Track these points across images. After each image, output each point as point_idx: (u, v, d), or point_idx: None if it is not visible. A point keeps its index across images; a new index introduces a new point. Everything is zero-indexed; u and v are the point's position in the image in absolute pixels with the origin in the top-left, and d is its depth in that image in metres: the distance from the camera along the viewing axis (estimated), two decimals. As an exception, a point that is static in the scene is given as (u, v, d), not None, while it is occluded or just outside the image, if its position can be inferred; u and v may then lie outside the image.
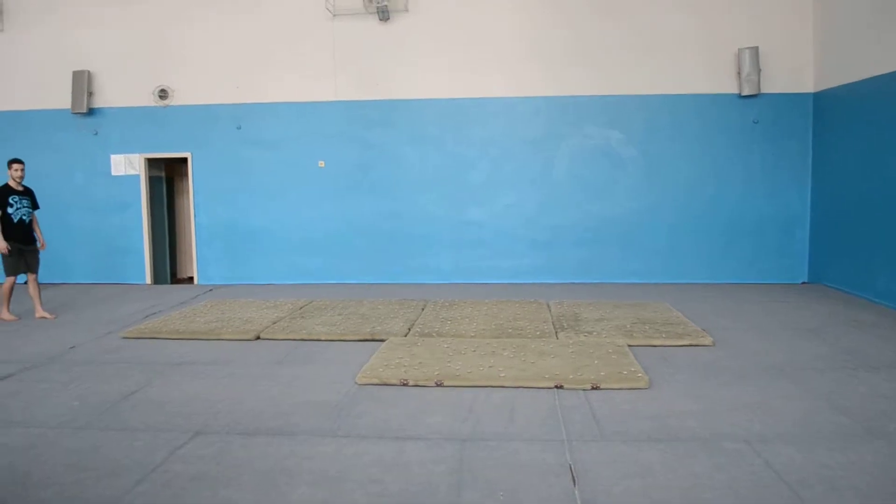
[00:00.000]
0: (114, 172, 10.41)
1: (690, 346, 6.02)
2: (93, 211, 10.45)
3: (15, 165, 7.64)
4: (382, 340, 6.30)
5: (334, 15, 9.88)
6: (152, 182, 10.66)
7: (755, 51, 9.24)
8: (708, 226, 9.70)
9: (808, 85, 9.45)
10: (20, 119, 10.44)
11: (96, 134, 10.37)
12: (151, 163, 10.58)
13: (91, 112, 10.31)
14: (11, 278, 7.63)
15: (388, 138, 10.03)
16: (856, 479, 3.36)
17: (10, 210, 7.49)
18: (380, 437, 3.99)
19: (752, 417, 4.21)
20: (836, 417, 4.20)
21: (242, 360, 5.75)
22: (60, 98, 10.26)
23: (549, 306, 7.78)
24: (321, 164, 10.10)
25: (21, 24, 10.39)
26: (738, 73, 9.37)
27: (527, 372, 5.10)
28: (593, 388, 4.78)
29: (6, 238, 7.44)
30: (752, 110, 9.51)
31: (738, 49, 9.34)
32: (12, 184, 7.62)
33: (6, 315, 7.61)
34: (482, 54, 9.81)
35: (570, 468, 3.53)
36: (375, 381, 5.01)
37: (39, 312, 7.72)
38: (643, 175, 9.73)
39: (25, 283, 7.77)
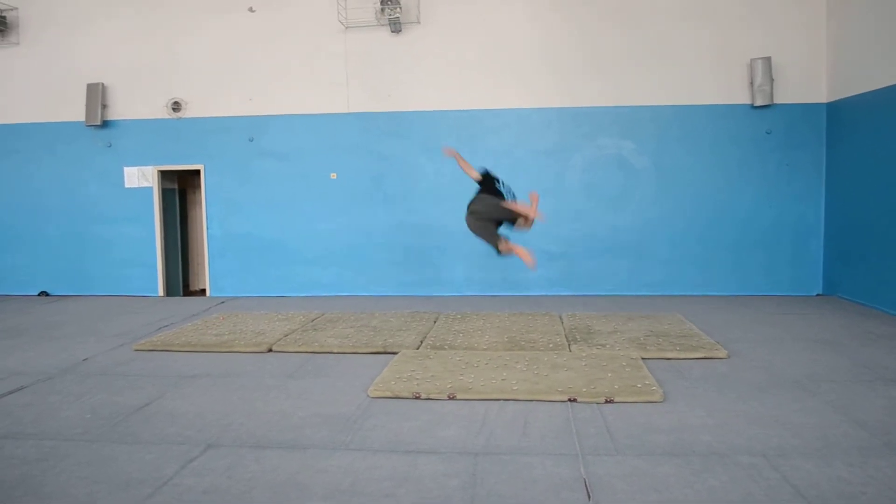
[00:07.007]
0: (127, 185, 10.48)
1: (705, 358, 5.96)
2: (106, 223, 10.51)
3: None
4: (395, 353, 6.28)
5: (346, 27, 9.93)
6: (165, 194, 10.72)
7: (768, 61, 9.20)
8: (721, 237, 9.62)
9: (821, 95, 9.39)
10: (35, 131, 10.55)
11: (110, 146, 10.46)
12: (164, 175, 10.64)
13: (105, 124, 10.39)
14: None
15: (401, 149, 10.04)
16: (875, 494, 3.30)
17: None
18: (392, 451, 3.97)
19: (769, 431, 4.16)
20: (855, 431, 4.14)
21: (254, 373, 5.75)
22: (74, 110, 10.36)
23: (561, 318, 7.74)
24: (333, 175, 10.13)
25: (35, 38, 10.51)
26: (751, 84, 9.33)
27: (540, 385, 5.07)
28: (607, 402, 4.74)
29: None
30: (765, 121, 9.46)
31: (751, 59, 9.30)
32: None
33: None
34: (494, 65, 9.82)
35: (585, 482, 3.50)
36: (388, 394, 4.99)
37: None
38: (656, 186, 9.68)
39: None
